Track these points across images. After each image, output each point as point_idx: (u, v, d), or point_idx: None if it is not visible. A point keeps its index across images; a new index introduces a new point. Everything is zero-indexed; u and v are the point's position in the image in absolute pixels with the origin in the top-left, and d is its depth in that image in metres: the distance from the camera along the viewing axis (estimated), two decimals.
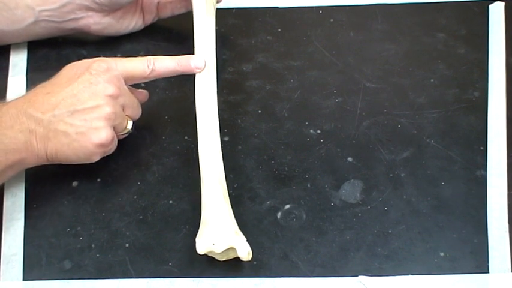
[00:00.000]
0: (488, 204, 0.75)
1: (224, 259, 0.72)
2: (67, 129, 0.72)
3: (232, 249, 0.70)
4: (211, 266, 0.72)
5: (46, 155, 0.73)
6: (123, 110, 0.75)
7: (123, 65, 0.75)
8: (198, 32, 0.81)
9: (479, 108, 0.83)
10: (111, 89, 0.73)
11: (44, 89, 0.74)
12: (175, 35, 0.89)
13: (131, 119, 0.77)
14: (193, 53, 0.79)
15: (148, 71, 0.76)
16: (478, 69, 0.86)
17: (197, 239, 0.70)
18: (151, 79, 0.77)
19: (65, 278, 0.72)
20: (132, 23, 0.88)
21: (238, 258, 0.70)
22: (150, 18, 0.89)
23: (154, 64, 0.76)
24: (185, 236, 0.74)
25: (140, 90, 0.81)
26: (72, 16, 0.85)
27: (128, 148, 0.80)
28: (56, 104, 0.72)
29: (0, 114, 0.72)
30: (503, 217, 0.74)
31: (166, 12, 0.89)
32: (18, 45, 0.89)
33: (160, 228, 0.74)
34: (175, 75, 0.78)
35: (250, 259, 0.70)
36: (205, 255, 0.71)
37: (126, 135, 0.78)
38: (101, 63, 0.74)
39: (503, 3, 0.91)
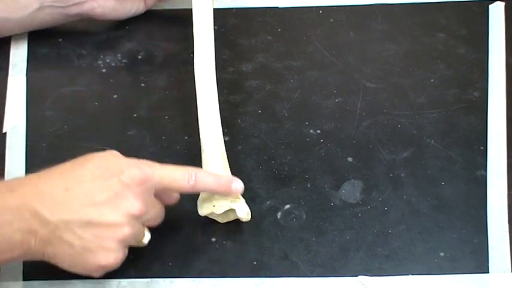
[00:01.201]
0: (488, 204, 0.75)
1: (225, 221, 0.73)
2: (74, 241, 0.63)
3: (232, 210, 0.71)
4: (211, 266, 0.72)
5: (43, 256, 0.64)
6: (143, 223, 0.68)
7: (162, 175, 0.67)
8: (196, 13, 0.81)
9: (479, 108, 0.83)
10: (137, 207, 0.64)
11: (62, 180, 0.64)
12: (175, 35, 0.89)
13: (150, 227, 0.69)
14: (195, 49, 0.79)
15: (188, 186, 0.68)
16: (478, 69, 0.86)
17: (198, 202, 0.72)
18: (189, 193, 0.70)
19: (65, 278, 0.72)
20: (134, 6, 0.89)
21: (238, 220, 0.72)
22: (151, 2, 0.90)
23: (195, 180, 0.68)
24: (185, 236, 0.74)
25: (171, 195, 0.71)
26: (77, 0, 0.85)
27: (128, 148, 0.80)
28: (70, 208, 0.63)
29: (1, 204, 0.62)
30: (503, 217, 0.74)
31: None
32: (18, 45, 0.89)
33: (160, 228, 0.74)
34: (212, 192, 0.71)
35: (249, 219, 0.72)
36: (204, 255, 0.71)
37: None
38: (136, 172, 0.65)
39: (503, 3, 0.91)
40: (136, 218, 0.65)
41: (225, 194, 0.71)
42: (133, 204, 0.64)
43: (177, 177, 0.68)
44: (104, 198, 0.64)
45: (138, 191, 0.65)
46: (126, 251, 0.68)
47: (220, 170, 0.73)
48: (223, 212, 0.72)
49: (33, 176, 0.65)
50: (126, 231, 0.64)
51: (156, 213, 0.68)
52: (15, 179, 0.67)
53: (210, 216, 0.73)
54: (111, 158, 0.66)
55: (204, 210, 0.72)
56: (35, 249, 0.63)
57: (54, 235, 0.63)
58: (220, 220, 0.73)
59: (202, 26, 0.81)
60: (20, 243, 0.63)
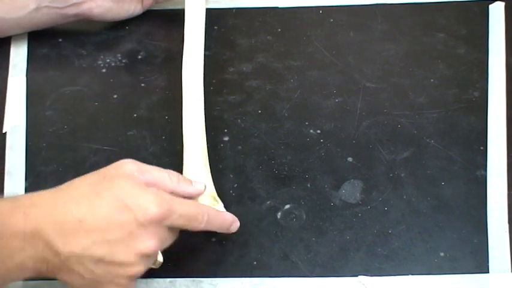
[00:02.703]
0: (488, 204, 0.75)
1: None
2: (85, 274, 0.62)
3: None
4: (211, 266, 0.72)
5: (55, 278, 0.64)
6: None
7: (180, 214, 0.65)
8: (188, 10, 0.82)
9: (479, 108, 0.83)
10: (151, 247, 0.63)
11: (77, 209, 0.62)
12: (175, 35, 0.89)
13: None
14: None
15: (199, 227, 0.67)
16: (478, 69, 0.86)
17: None
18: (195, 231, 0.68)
19: None
20: (131, 6, 0.89)
21: None
22: (148, 3, 0.90)
23: (205, 221, 0.67)
24: (185, 236, 0.74)
25: None
26: (75, 1, 0.85)
27: (128, 148, 0.80)
28: (82, 244, 0.61)
29: (15, 229, 0.60)
30: (503, 217, 0.74)
31: None
32: (18, 46, 0.89)
33: None
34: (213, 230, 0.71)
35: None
36: (204, 255, 0.71)
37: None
38: (153, 211, 0.63)
39: (503, 3, 0.91)
40: (149, 256, 0.64)
41: (222, 231, 0.71)
42: (147, 244, 0.63)
43: (190, 217, 0.66)
44: (117, 237, 0.62)
45: (153, 230, 0.64)
46: (134, 284, 0.66)
47: (200, 165, 0.73)
48: None
49: (48, 197, 0.63)
50: (137, 269, 0.64)
51: (169, 243, 0.68)
52: (29, 197, 0.64)
53: None
54: (130, 188, 0.64)
55: None
56: (47, 274, 0.63)
57: (65, 265, 0.62)
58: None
59: (193, 25, 0.81)
60: (32, 268, 0.62)
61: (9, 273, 0.61)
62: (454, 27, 0.89)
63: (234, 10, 0.92)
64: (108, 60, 0.88)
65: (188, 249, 0.73)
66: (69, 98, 0.85)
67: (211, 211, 0.69)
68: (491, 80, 0.85)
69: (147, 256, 0.64)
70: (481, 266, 0.72)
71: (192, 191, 0.69)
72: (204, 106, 0.78)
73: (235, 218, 0.72)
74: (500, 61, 0.86)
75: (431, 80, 0.85)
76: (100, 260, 0.62)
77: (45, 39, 0.89)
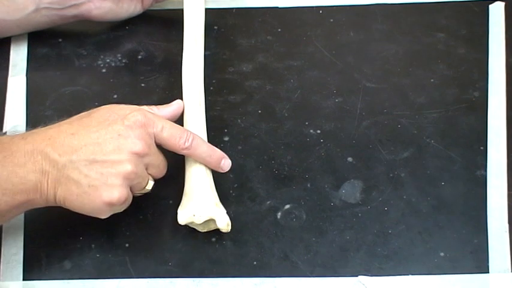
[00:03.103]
0: (488, 204, 0.75)
1: (205, 230, 0.73)
2: (80, 180, 0.67)
3: (213, 220, 0.71)
4: (211, 266, 0.72)
5: (55, 199, 0.68)
6: (146, 168, 0.70)
7: (163, 126, 0.70)
8: (187, 10, 0.81)
9: (479, 108, 0.83)
10: (139, 146, 0.68)
11: (69, 127, 0.69)
12: (175, 35, 0.89)
13: (153, 177, 0.72)
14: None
15: (183, 146, 0.71)
16: (478, 69, 0.86)
17: (179, 210, 0.72)
18: (182, 154, 0.73)
19: (65, 278, 0.72)
20: (131, 7, 0.88)
21: (218, 230, 0.72)
22: (148, 2, 0.90)
23: (191, 142, 0.71)
24: (185, 236, 0.74)
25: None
26: (73, 2, 0.85)
27: None
28: (76, 149, 0.67)
29: (16, 149, 0.67)
30: (503, 217, 0.74)
31: None
32: (18, 46, 0.89)
33: (160, 228, 0.74)
34: (202, 162, 0.73)
35: (229, 230, 0.71)
36: (204, 255, 0.71)
37: (143, 194, 0.72)
38: (138, 116, 0.69)
39: (503, 3, 0.91)
40: (139, 156, 0.68)
41: (213, 167, 0.73)
42: (135, 143, 0.68)
43: (175, 133, 0.71)
44: (107, 138, 0.68)
45: (140, 133, 0.69)
46: (131, 194, 0.70)
47: (202, 171, 0.73)
48: (204, 222, 0.71)
49: (44, 127, 0.70)
50: (129, 168, 0.67)
51: (158, 160, 0.71)
52: (26, 131, 0.71)
53: (190, 225, 0.72)
54: (116, 107, 0.70)
55: (184, 219, 0.71)
56: (48, 192, 0.67)
57: (62, 175, 0.67)
58: (201, 229, 0.73)
59: (192, 25, 0.81)
60: (34, 183, 0.67)
61: (14, 189, 0.66)
62: (454, 27, 0.89)
63: (234, 10, 0.92)
64: (108, 60, 0.88)
65: (188, 249, 0.73)
66: (69, 98, 0.85)
67: (198, 138, 0.72)
68: (491, 80, 0.85)
69: (136, 155, 0.68)
70: (481, 266, 0.72)
71: (173, 110, 0.75)
72: (205, 106, 0.78)
73: (226, 156, 0.74)
74: (500, 61, 0.86)
75: (431, 80, 0.85)
76: (93, 161, 0.67)
77: (45, 39, 0.89)
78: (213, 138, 0.79)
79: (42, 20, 0.86)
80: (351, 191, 0.77)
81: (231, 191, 0.76)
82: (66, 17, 0.86)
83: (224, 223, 0.71)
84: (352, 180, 0.77)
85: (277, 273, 0.72)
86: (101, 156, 0.67)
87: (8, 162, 0.66)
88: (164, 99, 0.84)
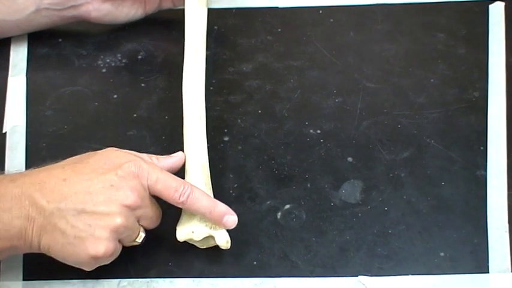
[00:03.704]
0: (488, 204, 0.75)
1: (204, 247, 0.72)
2: (66, 229, 0.64)
3: (212, 237, 0.70)
4: (211, 266, 0.72)
5: (39, 247, 0.66)
6: (138, 220, 0.68)
7: (157, 178, 0.67)
8: (188, 19, 0.81)
9: (479, 108, 0.83)
10: (131, 199, 0.65)
11: (62, 172, 0.66)
12: (175, 35, 0.89)
13: (146, 228, 0.70)
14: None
15: (178, 200, 0.68)
16: (478, 69, 0.86)
17: (177, 227, 0.71)
18: (180, 206, 0.69)
19: (65, 278, 0.72)
20: (131, 10, 0.88)
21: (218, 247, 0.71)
22: (151, 8, 0.89)
23: (187, 197, 0.68)
24: None
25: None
26: (72, 3, 0.85)
27: (128, 148, 0.80)
28: (65, 196, 0.64)
29: (3, 191, 0.64)
30: (503, 217, 0.74)
31: (168, 3, 0.89)
32: (18, 46, 0.89)
33: (160, 228, 0.74)
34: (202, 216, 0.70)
35: (229, 247, 0.70)
36: (204, 255, 0.71)
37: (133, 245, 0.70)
38: (133, 167, 0.66)
39: (503, 3, 0.91)
40: (130, 209, 0.66)
41: (215, 223, 0.70)
42: (128, 196, 0.65)
43: (170, 186, 0.68)
44: (99, 188, 0.65)
45: (133, 184, 0.66)
46: (119, 247, 0.68)
47: (201, 187, 0.71)
48: (203, 238, 0.70)
49: (35, 169, 0.68)
50: (118, 221, 0.65)
51: (151, 212, 0.69)
52: (17, 172, 0.70)
53: (189, 242, 0.71)
54: (111, 154, 0.68)
55: (182, 236, 0.70)
56: (33, 238, 0.65)
57: (49, 222, 0.64)
58: (200, 246, 0.72)
59: (193, 13, 0.81)
60: (19, 230, 0.64)
61: None
62: (454, 27, 0.89)
63: (234, 10, 0.92)
64: (108, 60, 0.88)
65: (188, 249, 0.73)
66: (69, 98, 0.85)
67: (197, 190, 0.69)
68: (491, 80, 0.85)
69: (127, 208, 0.65)
70: (481, 266, 0.72)
71: (173, 162, 0.72)
72: (204, 106, 0.78)
73: (230, 211, 0.70)
74: (500, 61, 0.86)
75: (431, 80, 0.85)
76: (82, 211, 0.64)
77: (45, 39, 0.89)
78: (213, 138, 0.79)
79: (43, 20, 0.86)
80: (351, 191, 0.77)
81: (231, 191, 0.76)
82: (65, 17, 0.86)
83: (224, 240, 0.70)
84: (352, 180, 0.77)
85: (277, 273, 0.72)
86: (90, 206, 0.64)
87: None
88: (164, 99, 0.84)
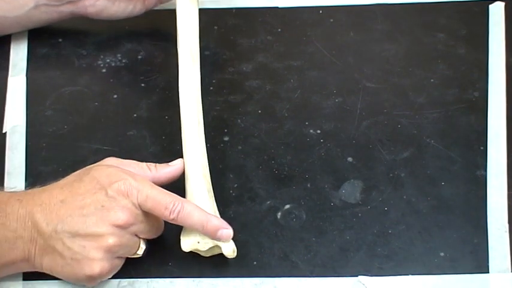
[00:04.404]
0: (488, 204, 0.75)
1: (209, 255, 0.71)
2: (63, 252, 0.66)
3: (218, 246, 0.70)
4: (211, 266, 0.72)
5: (42, 267, 0.68)
6: (136, 234, 0.68)
7: (147, 195, 0.67)
8: (180, 20, 0.81)
9: (479, 108, 0.83)
10: (122, 219, 0.66)
11: (60, 192, 0.67)
12: (175, 35, 0.89)
13: (148, 238, 0.70)
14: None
15: (169, 217, 0.68)
16: (478, 69, 0.86)
17: (181, 237, 0.70)
18: (173, 223, 0.69)
19: None
20: (129, 5, 0.87)
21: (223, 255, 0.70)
22: (151, 3, 0.89)
23: (178, 214, 0.67)
24: None
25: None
26: None
27: (128, 148, 0.80)
28: (62, 218, 0.65)
29: (10, 211, 0.66)
30: (503, 217, 0.74)
31: None
32: (18, 45, 0.89)
33: None
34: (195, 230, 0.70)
35: (235, 256, 0.70)
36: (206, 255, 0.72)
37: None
38: (122, 186, 0.66)
39: (503, 3, 0.91)
40: (122, 228, 0.66)
41: (209, 237, 0.69)
42: (118, 216, 0.66)
43: (160, 203, 0.68)
44: (92, 210, 0.66)
45: (124, 204, 0.67)
46: (117, 262, 0.69)
47: (204, 195, 0.71)
48: (209, 248, 0.70)
49: (40, 188, 0.69)
50: (111, 241, 0.66)
51: (148, 226, 0.69)
52: (24, 191, 0.71)
53: (194, 251, 0.70)
54: (104, 172, 0.68)
55: (187, 246, 0.70)
56: (36, 259, 0.67)
57: (48, 245, 0.66)
58: (204, 254, 0.71)
59: (184, 12, 0.80)
60: (22, 250, 0.66)
61: (3, 252, 0.66)
62: (454, 27, 0.89)
63: (234, 10, 0.92)
64: (108, 60, 0.88)
65: None
66: (69, 98, 0.85)
67: (188, 206, 0.68)
68: (491, 80, 0.85)
69: (119, 227, 0.66)
70: (481, 266, 0.72)
71: (171, 170, 0.72)
72: (204, 106, 0.77)
73: (224, 224, 0.69)
74: (500, 61, 0.86)
75: (431, 80, 0.85)
76: (76, 234, 0.65)
77: (45, 39, 0.89)
78: (213, 138, 0.80)
79: (41, 16, 0.86)
80: (351, 191, 0.77)
81: (231, 191, 0.76)
82: (64, 13, 0.86)
83: (230, 250, 0.69)
84: (352, 180, 0.77)
85: (277, 273, 0.72)
86: (83, 228, 0.65)
87: (1, 225, 0.66)
88: (164, 99, 0.84)
